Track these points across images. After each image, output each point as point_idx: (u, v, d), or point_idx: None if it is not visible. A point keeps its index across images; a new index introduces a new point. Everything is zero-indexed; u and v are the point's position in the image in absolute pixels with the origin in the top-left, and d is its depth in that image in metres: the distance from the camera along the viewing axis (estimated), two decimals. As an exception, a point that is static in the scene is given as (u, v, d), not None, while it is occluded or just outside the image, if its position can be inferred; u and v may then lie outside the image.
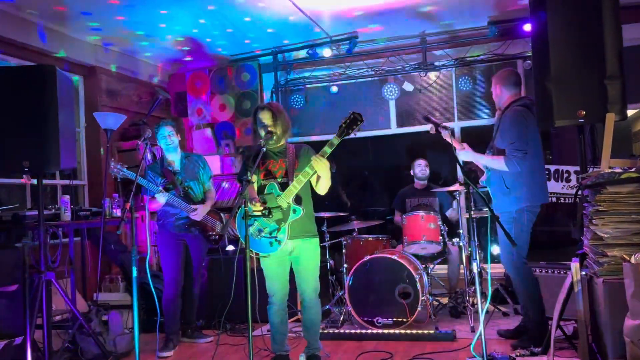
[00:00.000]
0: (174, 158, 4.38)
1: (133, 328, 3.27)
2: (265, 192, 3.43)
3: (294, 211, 3.39)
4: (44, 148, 3.73)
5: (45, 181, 4.10)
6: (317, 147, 3.52)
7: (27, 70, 3.83)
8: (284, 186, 3.42)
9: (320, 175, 3.37)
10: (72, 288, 4.53)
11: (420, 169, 5.57)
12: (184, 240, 4.37)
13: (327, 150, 3.30)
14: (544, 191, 3.87)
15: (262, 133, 3.46)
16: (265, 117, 3.47)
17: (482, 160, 3.92)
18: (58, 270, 4.22)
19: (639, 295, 2.06)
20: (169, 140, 4.28)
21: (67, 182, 5.16)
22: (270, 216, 3.28)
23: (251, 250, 3.45)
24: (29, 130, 3.67)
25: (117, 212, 4.94)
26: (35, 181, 3.99)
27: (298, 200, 3.42)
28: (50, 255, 4.09)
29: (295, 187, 3.35)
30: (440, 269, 5.55)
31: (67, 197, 4.46)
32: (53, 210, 4.44)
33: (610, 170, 2.49)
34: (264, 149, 3.40)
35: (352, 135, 3.32)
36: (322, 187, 3.46)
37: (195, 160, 4.49)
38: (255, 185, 3.52)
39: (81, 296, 4.90)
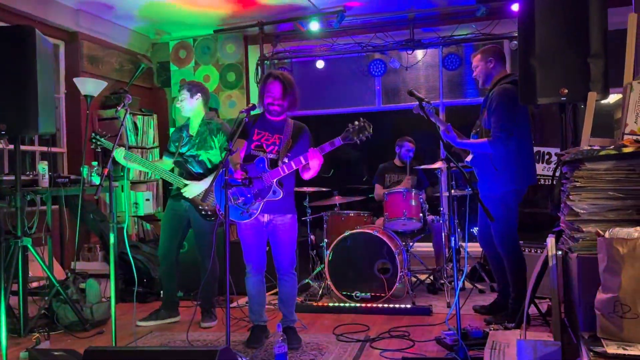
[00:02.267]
0: (194, 123, 4.11)
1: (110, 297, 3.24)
2: (253, 164, 3.40)
3: (274, 192, 3.37)
4: (21, 111, 3.66)
5: (23, 147, 4.03)
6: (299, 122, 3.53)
7: (6, 31, 3.74)
8: (272, 163, 3.40)
9: (310, 167, 3.37)
10: (49, 255, 4.48)
11: (406, 150, 5.52)
12: (187, 215, 4.11)
13: (327, 148, 3.28)
14: (532, 172, 3.84)
15: (256, 103, 3.40)
16: (274, 88, 3.42)
17: (465, 146, 3.87)
18: (35, 236, 4.18)
19: (610, 270, 2.08)
20: (180, 105, 4.07)
21: (45, 148, 5.07)
22: (251, 186, 3.26)
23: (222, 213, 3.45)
24: (6, 93, 3.59)
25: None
26: (12, 146, 3.93)
27: (280, 182, 3.40)
28: (27, 221, 4.05)
29: (283, 170, 3.34)
30: (420, 247, 5.59)
31: (45, 164, 4.40)
32: (31, 176, 4.37)
33: (589, 148, 2.51)
34: (247, 119, 3.36)
35: (355, 141, 3.24)
36: (308, 176, 3.45)
37: (213, 127, 4.08)
38: (242, 153, 3.49)
39: (59, 264, 4.87)
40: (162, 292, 4.29)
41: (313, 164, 3.34)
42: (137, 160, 4.00)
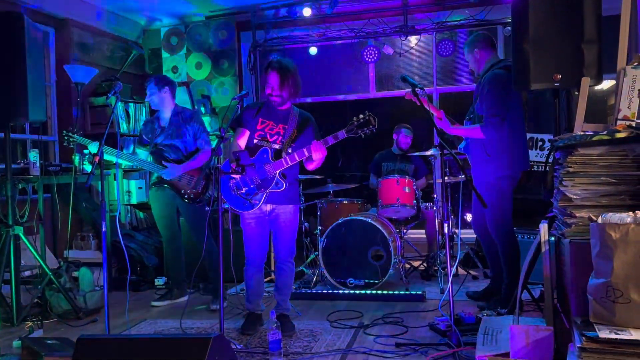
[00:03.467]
0: (165, 115, 4.28)
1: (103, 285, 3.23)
2: (256, 155, 3.39)
3: (277, 184, 3.36)
4: (10, 99, 3.63)
5: (13, 135, 3.99)
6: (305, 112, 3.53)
7: (-6, 17, 3.69)
8: (276, 153, 3.38)
9: (314, 159, 3.35)
10: (41, 244, 4.46)
11: (406, 141, 5.52)
12: (174, 201, 4.28)
13: (330, 141, 3.28)
14: (526, 158, 3.83)
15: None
16: (272, 79, 3.39)
17: (458, 133, 3.86)
18: (27, 225, 4.15)
19: (603, 255, 2.09)
20: (149, 100, 4.24)
21: (36, 137, 5.02)
22: (243, 174, 3.25)
23: (225, 202, 3.47)
24: (-5, 80, 3.55)
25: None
26: (2, 134, 3.89)
27: (284, 174, 3.39)
28: (18, 210, 4.02)
29: (286, 162, 3.33)
30: (414, 233, 5.60)
31: (36, 152, 4.36)
32: (22, 164, 4.33)
33: (582, 133, 2.50)
34: (239, 106, 3.35)
35: (359, 135, 3.26)
36: (311, 167, 3.45)
37: (186, 116, 4.27)
38: (243, 142, 3.47)
39: (51, 253, 4.84)
40: (169, 275, 4.48)
41: (317, 156, 3.32)
42: (113, 152, 4.06)
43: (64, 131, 3.98)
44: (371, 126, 3.24)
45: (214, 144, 4.11)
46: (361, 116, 3.25)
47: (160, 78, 4.31)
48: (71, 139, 3.97)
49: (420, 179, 5.49)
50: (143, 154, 4.30)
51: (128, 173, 5.84)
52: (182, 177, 4.17)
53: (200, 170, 4.19)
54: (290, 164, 3.34)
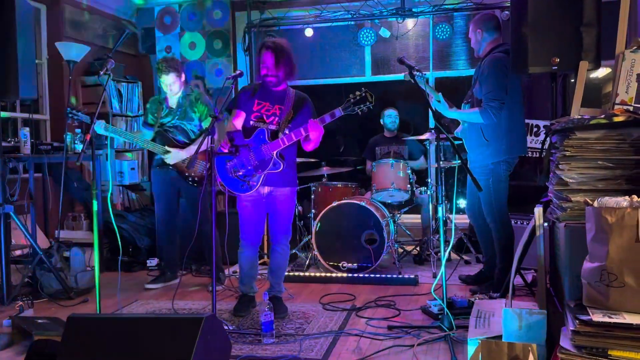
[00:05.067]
0: (173, 95, 4.17)
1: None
2: (253, 136, 3.35)
3: (275, 164, 3.32)
4: (0, 75, 3.56)
5: (3, 113, 3.94)
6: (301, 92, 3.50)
7: (-19, -8, 3.61)
8: (273, 134, 3.34)
9: (311, 138, 3.31)
10: (32, 223, 4.42)
11: (391, 120, 5.54)
12: (176, 183, 4.22)
13: (327, 119, 3.24)
14: (524, 143, 3.81)
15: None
16: (267, 59, 3.34)
17: (456, 116, 3.81)
18: (17, 204, 4.11)
19: (598, 239, 2.08)
20: (167, 88, 4.11)
21: (27, 115, 4.95)
22: (237, 154, 3.21)
23: (223, 186, 3.42)
24: (-17, 56, 3.49)
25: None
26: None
27: (281, 154, 3.35)
28: (9, 189, 3.98)
29: (283, 142, 3.29)
30: (407, 218, 5.60)
31: (27, 130, 4.30)
32: (12, 142, 4.28)
33: (579, 117, 2.49)
34: (247, 90, 3.34)
35: (356, 112, 3.22)
36: (309, 148, 3.41)
37: (193, 99, 4.18)
38: (239, 124, 3.42)
39: (42, 232, 4.81)
40: (162, 256, 4.42)
41: (314, 135, 3.29)
42: (118, 132, 4.03)
43: (68, 109, 3.91)
44: (368, 102, 3.20)
45: (206, 124, 4.08)
46: (357, 93, 3.21)
47: (176, 63, 4.15)
48: (75, 117, 3.89)
49: (416, 160, 5.48)
50: (148, 134, 4.18)
51: (120, 153, 5.79)
52: (186, 160, 4.08)
53: (205, 154, 4.12)
54: (287, 143, 3.30)
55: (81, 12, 5.63)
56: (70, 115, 3.90)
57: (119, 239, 3.63)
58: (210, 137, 3.10)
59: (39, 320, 3.16)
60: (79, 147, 4.71)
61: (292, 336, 3.05)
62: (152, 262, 4.84)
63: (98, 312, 3.02)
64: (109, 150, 4.62)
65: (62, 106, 5.33)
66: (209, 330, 2.19)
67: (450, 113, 3.78)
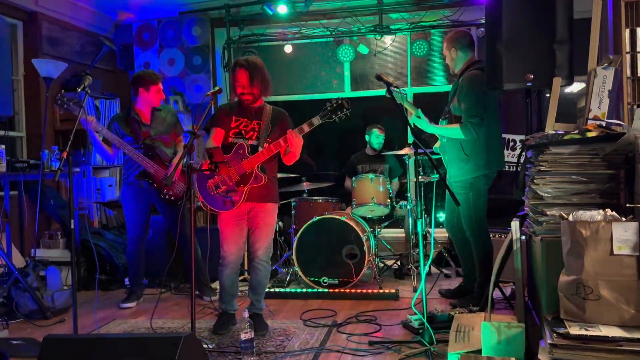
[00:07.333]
0: (146, 110, 4.18)
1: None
2: (233, 151, 3.34)
3: (256, 178, 3.32)
4: (-25, 92, 3.51)
5: (-22, 130, 3.89)
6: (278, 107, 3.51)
7: (-44, 8, 3.58)
8: (253, 149, 3.35)
9: (291, 150, 3.32)
10: (7, 242, 4.34)
11: (378, 141, 5.57)
12: (149, 199, 4.23)
13: (305, 128, 3.26)
14: (501, 157, 3.88)
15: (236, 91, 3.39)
16: (241, 77, 3.35)
17: (437, 131, 3.87)
18: (-8, 223, 4.04)
19: (574, 252, 2.12)
20: (162, 102, 4.25)
21: (2, 132, 4.88)
22: (217, 170, 3.20)
23: (205, 205, 3.39)
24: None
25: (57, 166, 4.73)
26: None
27: (263, 167, 3.35)
28: (-17, 207, 3.91)
29: (263, 155, 3.30)
30: (388, 232, 5.62)
31: (2, 147, 4.23)
32: (-13, 160, 4.21)
33: (554, 132, 2.53)
34: (224, 107, 3.38)
35: (334, 120, 3.26)
36: (290, 160, 3.42)
37: (171, 112, 4.25)
38: (218, 142, 3.41)
39: (18, 251, 4.72)
40: (130, 274, 4.38)
41: (293, 147, 3.30)
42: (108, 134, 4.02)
43: (58, 94, 3.85)
44: (345, 109, 3.25)
45: (186, 141, 4.06)
46: (334, 101, 3.26)
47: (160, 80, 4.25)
48: (65, 105, 3.84)
49: (394, 178, 5.52)
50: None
51: (98, 170, 5.73)
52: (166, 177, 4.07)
53: (184, 173, 4.10)
54: (267, 156, 3.31)
55: (58, 29, 5.59)
56: (59, 101, 3.84)
57: (96, 257, 3.59)
58: (190, 154, 3.08)
59: (14, 342, 3.10)
60: (56, 164, 4.65)
61: (272, 354, 3.03)
62: (130, 280, 4.77)
63: (75, 332, 2.97)
64: (87, 168, 4.57)
65: (39, 123, 5.27)
66: (187, 349, 2.16)
67: (431, 128, 3.83)
